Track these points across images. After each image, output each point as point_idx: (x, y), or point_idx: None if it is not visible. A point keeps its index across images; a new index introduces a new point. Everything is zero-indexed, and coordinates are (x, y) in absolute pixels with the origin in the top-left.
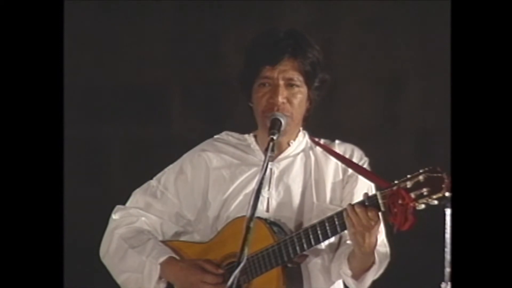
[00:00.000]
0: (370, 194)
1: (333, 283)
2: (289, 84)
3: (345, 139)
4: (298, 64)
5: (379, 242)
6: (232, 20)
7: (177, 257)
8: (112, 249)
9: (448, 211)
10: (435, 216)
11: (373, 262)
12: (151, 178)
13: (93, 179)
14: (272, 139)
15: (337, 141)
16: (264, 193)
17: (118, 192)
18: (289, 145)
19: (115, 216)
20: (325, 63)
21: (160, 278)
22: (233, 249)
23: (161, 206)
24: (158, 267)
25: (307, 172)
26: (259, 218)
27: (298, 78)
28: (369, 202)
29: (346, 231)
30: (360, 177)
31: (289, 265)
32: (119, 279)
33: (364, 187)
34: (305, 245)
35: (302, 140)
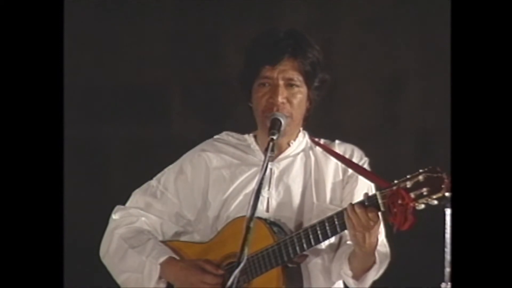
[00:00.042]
0: (370, 194)
1: (333, 283)
2: (289, 84)
3: (345, 139)
4: (298, 64)
5: (379, 242)
6: (232, 20)
7: (177, 257)
8: (112, 249)
9: (448, 211)
10: (435, 216)
11: (374, 262)
12: (151, 178)
13: (93, 179)
14: (272, 139)
15: (337, 141)
16: (264, 193)
17: (118, 192)
18: (289, 145)
19: (115, 216)
20: (325, 63)
21: (160, 278)
22: (233, 249)
23: (161, 206)
24: (158, 267)
25: (307, 172)
26: (259, 218)
27: (298, 78)
28: (369, 202)
29: (346, 231)
30: (360, 177)
31: (289, 265)
32: (119, 279)
33: (364, 187)
34: (305, 245)
35: (302, 140)
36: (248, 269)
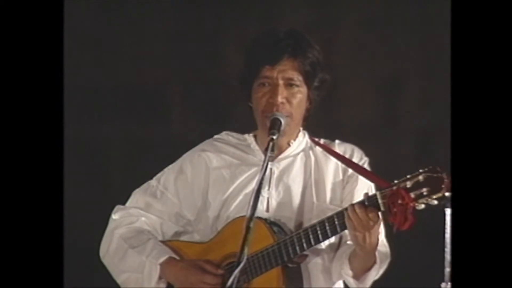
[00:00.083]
0: (370, 194)
1: (333, 283)
2: (289, 84)
3: (345, 139)
4: (297, 64)
5: (379, 242)
6: (232, 20)
7: (177, 257)
8: (112, 249)
9: (448, 211)
10: (435, 216)
11: (374, 262)
12: (151, 178)
13: (93, 179)
14: (272, 139)
15: (337, 141)
16: (264, 193)
17: (118, 192)
18: (289, 145)
19: (115, 216)
20: (325, 63)
21: (160, 278)
22: (233, 249)
23: (161, 206)
24: (158, 267)
25: (307, 172)
26: (259, 218)
27: (297, 78)
28: (369, 202)
29: (346, 231)
30: (360, 177)
31: (289, 265)
32: (119, 279)
33: (364, 187)
34: (305, 245)
35: (302, 140)
36: (248, 269)
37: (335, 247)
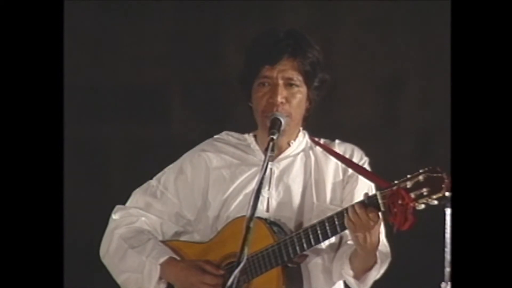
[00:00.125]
0: (370, 194)
1: (334, 283)
2: (289, 84)
3: (345, 139)
4: (297, 64)
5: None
6: (232, 20)
7: (177, 258)
8: (112, 249)
9: (448, 211)
10: (435, 216)
11: (375, 262)
12: (151, 178)
13: (93, 179)
14: (272, 139)
15: (337, 141)
16: (264, 193)
17: (118, 192)
18: (289, 145)
19: (115, 216)
20: (325, 63)
21: (160, 278)
22: (233, 249)
23: (161, 206)
24: (158, 267)
25: (307, 172)
26: (259, 218)
27: (297, 78)
28: (369, 202)
29: (346, 231)
30: (360, 177)
31: (289, 265)
32: (119, 279)
33: (364, 187)
34: (305, 245)
35: (302, 140)
36: (248, 269)
37: (335, 247)
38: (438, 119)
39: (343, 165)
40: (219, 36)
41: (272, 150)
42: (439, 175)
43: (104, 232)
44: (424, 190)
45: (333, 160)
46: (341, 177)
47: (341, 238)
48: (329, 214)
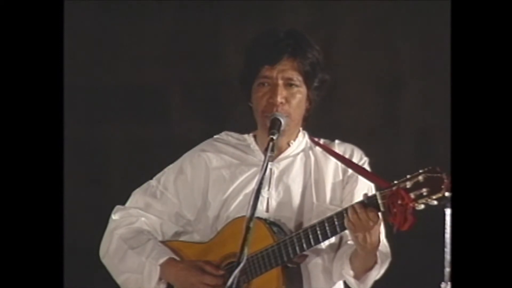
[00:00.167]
0: (369, 194)
1: (334, 283)
2: (288, 84)
3: (345, 139)
4: (297, 64)
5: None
6: (232, 20)
7: (177, 258)
8: (111, 249)
9: (448, 211)
10: (435, 216)
11: (375, 262)
12: (151, 178)
13: (93, 179)
14: (272, 139)
15: (337, 141)
16: (264, 193)
17: (118, 192)
18: (289, 145)
19: (114, 216)
20: (325, 63)
21: (160, 279)
22: (233, 249)
23: (161, 206)
24: (158, 268)
25: (307, 172)
26: (259, 218)
27: (297, 78)
28: (368, 202)
29: (346, 231)
30: (360, 177)
31: (289, 265)
32: (119, 280)
33: (364, 187)
34: (304, 245)
35: (302, 140)
36: (248, 269)
37: (335, 247)
38: (438, 119)
39: (343, 165)
40: (219, 36)
41: (272, 150)
42: (439, 175)
43: (104, 232)
44: (424, 190)
45: (333, 160)
46: (341, 177)
47: (341, 238)
48: (329, 214)
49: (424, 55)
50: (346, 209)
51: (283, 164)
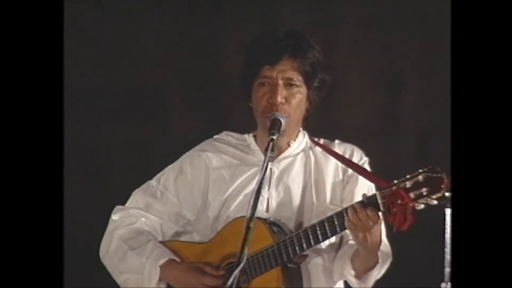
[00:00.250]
0: (369, 194)
1: (334, 283)
2: (288, 84)
3: (345, 139)
4: (297, 64)
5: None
6: (232, 20)
7: (177, 259)
8: (111, 250)
9: (448, 211)
10: (435, 216)
11: (376, 262)
12: (151, 178)
13: (93, 179)
14: (272, 139)
15: (337, 141)
16: (264, 193)
17: (118, 192)
18: (289, 145)
19: (114, 216)
20: (325, 63)
21: (160, 279)
22: (233, 249)
23: (161, 206)
24: (158, 269)
25: (307, 172)
26: (259, 218)
27: (297, 78)
28: (368, 202)
29: (347, 231)
30: (360, 177)
31: (289, 265)
32: (119, 280)
33: (364, 187)
34: (304, 245)
35: (302, 140)
36: (247, 269)
37: (335, 247)
38: (438, 119)
39: (343, 165)
40: (219, 36)
41: (272, 150)
42: (439, 175)
43: (104, 232)
44: (424, 190)
45: (333, 160)
46: (341, 177)
47: (341, 238)
48: (329, 214)
49: (424, 55)
50: (346, 209)
51: (283, 164)
